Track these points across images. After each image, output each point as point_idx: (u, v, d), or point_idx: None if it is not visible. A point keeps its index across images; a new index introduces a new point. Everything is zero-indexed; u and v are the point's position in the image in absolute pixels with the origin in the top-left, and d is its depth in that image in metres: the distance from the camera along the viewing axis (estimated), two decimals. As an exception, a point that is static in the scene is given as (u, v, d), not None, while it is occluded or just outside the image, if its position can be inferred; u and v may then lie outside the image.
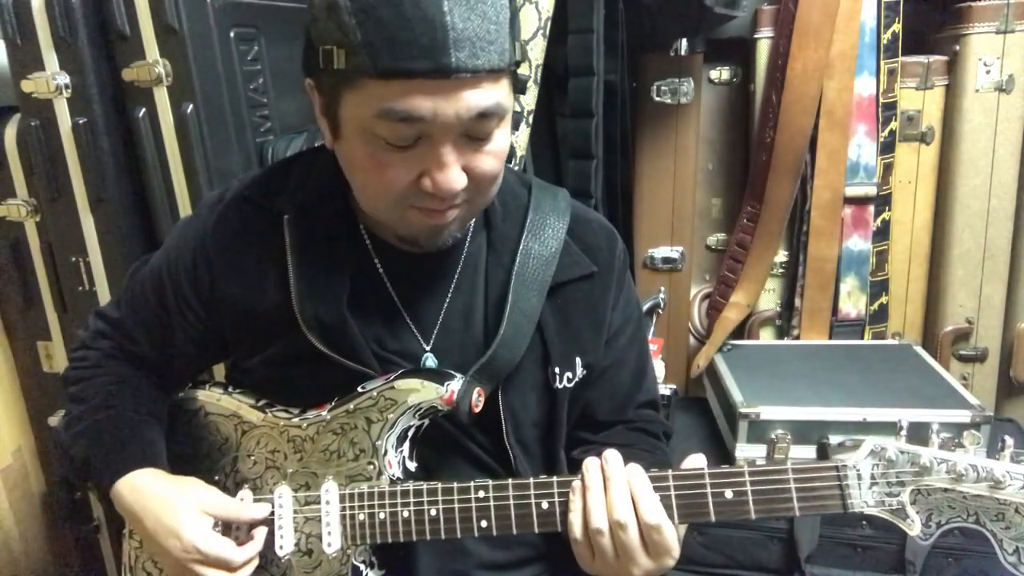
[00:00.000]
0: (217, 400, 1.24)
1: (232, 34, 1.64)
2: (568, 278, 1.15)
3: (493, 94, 0.94)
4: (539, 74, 1.77)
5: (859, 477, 0.94)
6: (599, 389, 1.22)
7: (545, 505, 1.04)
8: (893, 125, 1.85)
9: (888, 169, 1.86)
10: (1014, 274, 1.88)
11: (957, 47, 1.84)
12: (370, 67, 0.90)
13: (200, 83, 1.57)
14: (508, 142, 1.02)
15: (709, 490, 0.99)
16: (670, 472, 1.00)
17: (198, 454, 1.26)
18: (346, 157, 1.03)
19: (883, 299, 1.90)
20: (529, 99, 1.77)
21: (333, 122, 1.02)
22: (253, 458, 1.20)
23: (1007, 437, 0.90)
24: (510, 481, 1.05)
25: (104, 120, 1.61)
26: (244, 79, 1.67)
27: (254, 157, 1.70)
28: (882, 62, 1.84)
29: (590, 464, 1.00)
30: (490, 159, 1.00)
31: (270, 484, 1.18)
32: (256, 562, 1.14)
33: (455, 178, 0.96)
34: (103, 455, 1.19)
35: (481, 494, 1.07)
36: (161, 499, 1.15)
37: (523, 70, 1.76)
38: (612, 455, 1.00)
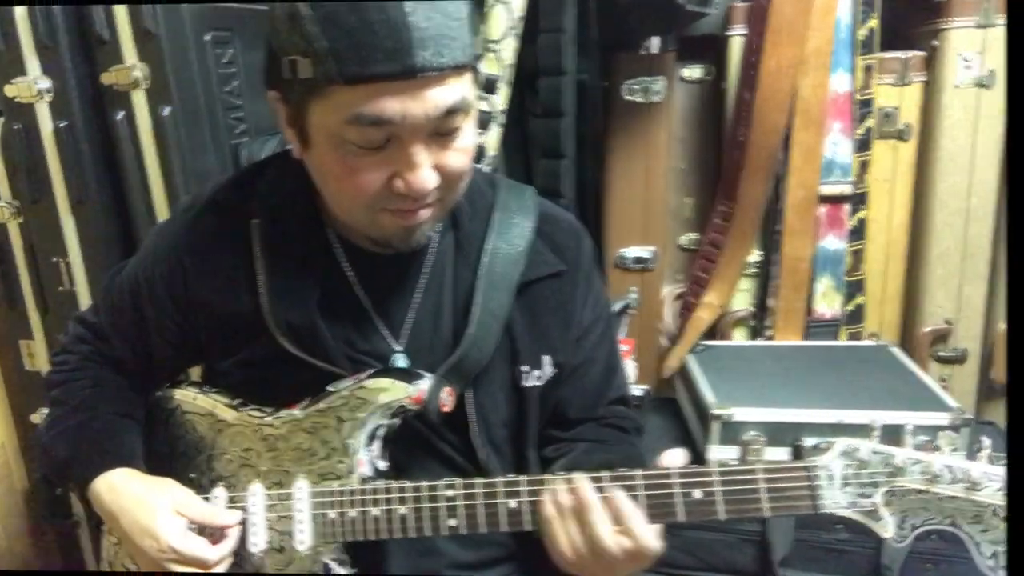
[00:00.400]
0: (193, 399, 1.27)
1: (208, 37, 1.67)
2: (536, 276, 1.16)
3: (458, 90, 0.95)
4: (511, 74, 1.77)
5: (830, 477, 0.92)
6: (569, 387, 1.23)
7: (514, 504, 1.04)
8: (870, 122, 1.82)
9: (864, 167, 1.83)
10: (994, 274, 1.83)
11: (936, 42, 1.80)
12: (337, 74, 0.91)
13: (177, 86, 1.61)
14: (475, 138, 1.03)
15: (678, 490, 0.98)
16: (639, 472, 0.99)
17: (175, 452, 1.29)
18: (317, 165, 1.05)
19: (859, 299, 1.87)
20: (501, 99, 1.77)
21: (301, 132, 1.03)
22: (228, 456, 1.22)
23: (984, 438, 0.89)
24: (479, 480, 1.05)
25: (84, 123, 1.66)
26: (219, 82, 1.70)
27: (229, 159, 1.73)
28: (858, 58, 1.80)
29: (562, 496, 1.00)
30: (459, 155, 1.01)
31: (244, 482, 1.20)
32: (230, 560, 1.16)
33: (427, 177, 0.98)
34: (82, 456, 1.23)
35: (450, 492, 1.08)
36: (138, 499, 1.18)
37: (494, 70, 1.77)
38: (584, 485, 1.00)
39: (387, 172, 0.98)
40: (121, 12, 1.58)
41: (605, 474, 1.02)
